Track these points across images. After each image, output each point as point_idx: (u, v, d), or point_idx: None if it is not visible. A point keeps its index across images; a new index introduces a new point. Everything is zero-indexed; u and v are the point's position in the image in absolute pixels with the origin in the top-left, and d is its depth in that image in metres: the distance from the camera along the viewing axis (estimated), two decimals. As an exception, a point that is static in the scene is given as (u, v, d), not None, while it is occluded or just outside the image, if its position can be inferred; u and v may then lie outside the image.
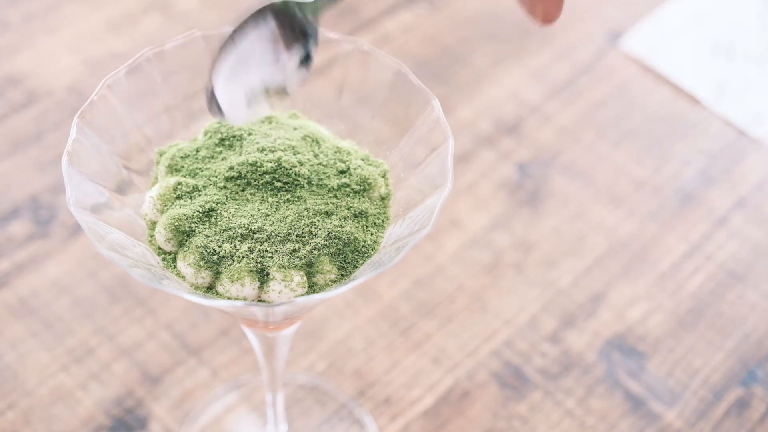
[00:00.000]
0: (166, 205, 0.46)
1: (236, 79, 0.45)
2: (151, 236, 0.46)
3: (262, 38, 0.45)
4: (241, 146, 0.47)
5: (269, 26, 0.45)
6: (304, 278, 0.43)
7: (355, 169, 0.47)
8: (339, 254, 0.44)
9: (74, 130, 0.44)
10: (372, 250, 0.45)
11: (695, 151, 0.82)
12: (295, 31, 0.45)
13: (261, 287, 0.43)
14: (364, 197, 0.46)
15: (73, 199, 0.42)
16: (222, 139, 0.48)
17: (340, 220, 0.45)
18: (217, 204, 0.45)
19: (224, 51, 0.44)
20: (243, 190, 0.46)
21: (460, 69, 0.87)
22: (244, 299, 0.43)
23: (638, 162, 0.81)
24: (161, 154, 0.49)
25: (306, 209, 0.45)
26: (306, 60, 0.45)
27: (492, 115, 0.84)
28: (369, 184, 0.47)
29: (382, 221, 0.47)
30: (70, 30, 0.90)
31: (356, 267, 0.45)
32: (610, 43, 0.91)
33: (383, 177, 0.48)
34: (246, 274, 0.43)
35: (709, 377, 0.68)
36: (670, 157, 0.82)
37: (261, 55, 0.45)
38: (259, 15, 0.45)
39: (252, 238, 0.44)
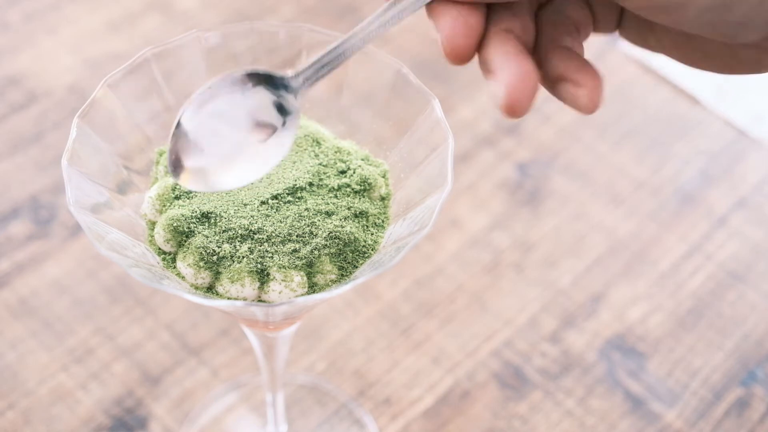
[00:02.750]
0: (164, 206, 0.45)
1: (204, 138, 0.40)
2: (151, 236, 0.46)
3: (237, 103, 0.40)
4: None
5: (248, 92, 0.40)
6: (305, 278, 0.43)
7: (355, 169, 0.47)
8: (339, 254, 0.44)
9: (74, 130, 0.44)
10: (372, 250, 0.45)
11: (695, 151, 0.82)
12: (274, 107, 0.40)
13: (261, 287, 0.43)
14: (364, 197, 0.46)
15: (73, 199, 0.42)
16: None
17: (340, 220, 0.45)
18: (216, 204, 0.45)
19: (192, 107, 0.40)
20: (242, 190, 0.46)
21: (460, 69, 0.87)
22: (244, 299, 0.43)
23: (638, 162, 0.81)
24: (161, 154, 0.49)
25: (306, 209, 0.45)
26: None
27: (492, 115, 0.84)
28: (369, 184, 0.47)
29: (383, 221, 0.47)
30: (70, 30, 0.90)
31: (356, 267, 0.45)
32: (610, 43, 0.91)
33: (383, 177, 0.48)
34: (246, 274, 0.43)
35: (709, 377, 0.68)
36: (670, 157, 0.82)
37: (232, 122, 0.40)
38: (236, 79, 0.40)
39: (252, 239, 0.43)
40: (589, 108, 0.38)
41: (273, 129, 0.40)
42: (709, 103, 0.85)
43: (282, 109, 0.40)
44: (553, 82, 0.39)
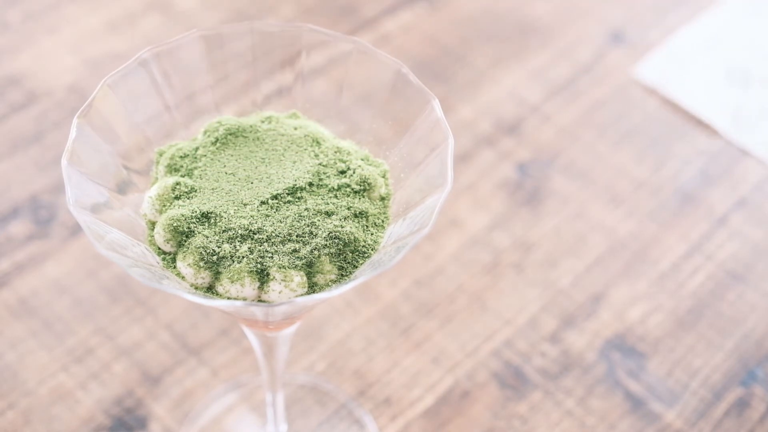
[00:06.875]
0: (164, 205, 0.45)
1: None
2: (151, 236, 0.46)
3: None
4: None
5: None
6: (304, 278, 0.43)
7: (355, 169, 0.47)
8: (339, 254, 0.44)
9: (74, 129, 0.44)
10: (372, 250, 0.45)
11: (695, 151, 0.82)
12: None
13: (261, 287, 0.43)
14: (364, 197, 0.46)
15: (73, 198, 0.42)
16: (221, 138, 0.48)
17: (340, 220, 0.45)
18: (216, 204, 0.45)
19: None
20: (243, 190, 0.46)
21: (460, 69, 0.87)
22: (244, 299, 0.43)
23: (638, 162, 0.81)
24: (161, 154, 0.49)
25: (306, 209, 0.45)
26: None
27: (492, 115, 0.84)
28: (369, 184, 0.47)
29: (382, 221, 0.47)
30: (70, 30, 0.90)
31: (356, 267, 0.45)
32: (610, 43, 0.91)
33: (383, 177, 0.48)
34: (246, 274, 0.43)
35: (709, 377, 0.68)
36: (670, 157, 0.82)
37: None
38: None
39: (252, 239, 0.43)
40: None
41: None
42: (725, 132, 0.84)
43: None
44: None
